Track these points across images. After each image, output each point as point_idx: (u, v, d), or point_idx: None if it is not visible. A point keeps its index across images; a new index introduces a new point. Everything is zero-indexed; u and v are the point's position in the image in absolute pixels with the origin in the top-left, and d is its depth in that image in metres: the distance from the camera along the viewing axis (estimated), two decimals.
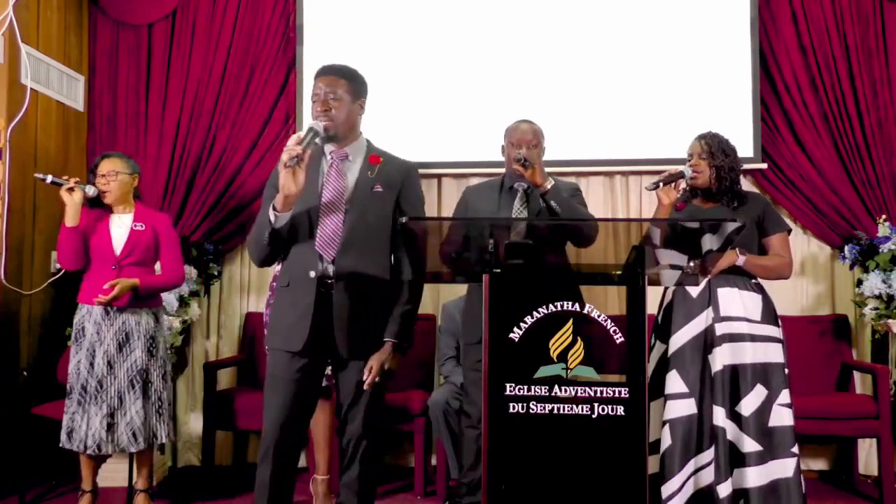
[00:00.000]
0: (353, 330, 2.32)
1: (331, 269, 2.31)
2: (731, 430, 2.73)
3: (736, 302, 2.80)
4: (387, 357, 2.34)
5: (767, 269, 2.87)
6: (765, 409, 2.73)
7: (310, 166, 2.26)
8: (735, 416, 2.74)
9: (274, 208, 2.25)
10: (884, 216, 3.87)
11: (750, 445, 2.71)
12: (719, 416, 2.72)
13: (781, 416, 2.74)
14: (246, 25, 4.23)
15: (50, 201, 3.99)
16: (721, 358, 2.75)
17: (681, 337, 2.82)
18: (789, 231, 2.95)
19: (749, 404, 2.73)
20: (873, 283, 3.68)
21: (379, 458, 2.52)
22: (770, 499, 2.70)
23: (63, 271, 3.94)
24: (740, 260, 2.80)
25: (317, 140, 2.28)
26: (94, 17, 4.35)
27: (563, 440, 2.08)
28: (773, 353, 2.78)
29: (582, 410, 2.08)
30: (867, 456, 3.91)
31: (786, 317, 3.95)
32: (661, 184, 2.82)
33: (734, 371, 2.75)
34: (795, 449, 2.74)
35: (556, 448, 2.09)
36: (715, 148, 2.88)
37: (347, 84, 2.37)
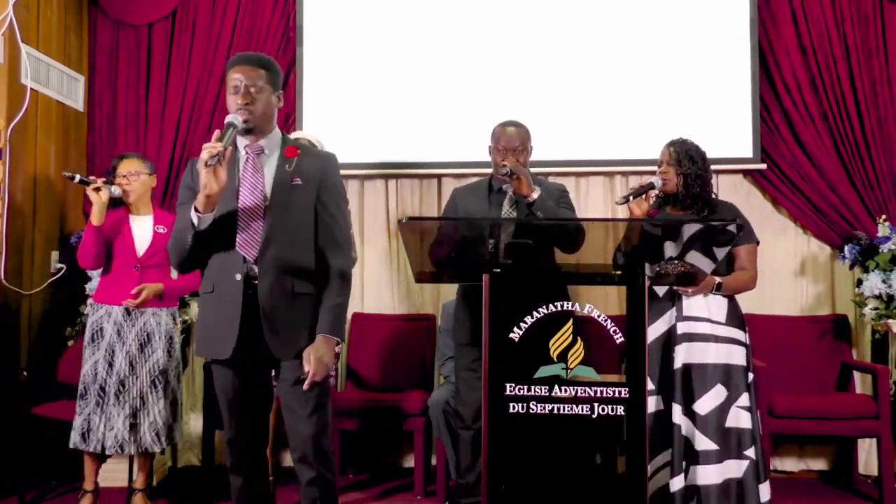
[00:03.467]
0: (284, 329, 2.22)
1: (255, 269, 2.22)
2: (686, 427, 2.76)
3: (699, 303, 2.84)
4: (323, 350, 2.19)
5: (738, 288, 2.91)
6: (723, 410, 2.76)
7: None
8: (690, 414, 2.77)
9: (196, 210, 2.16)
10: (884, 216, 3.87)
11: (705, 444, 2.73)
12: (676, 413, 2.76)
13: (739, 418, 2.76)
14: (246, 25, 4.22)
15: (50, 201, 3.99)
16: (679, 356, 2.79)
17: (648, 335, 2.84)
18: (757, 243, 2.98)
19: (706, 403, 2.75)
20: (873, 283, 3.68)
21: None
22: (722, 498, 2.72)
23: (63, 271, 3.95)
24: (715, 289, 2.83)
25: (237, 133, 2.22)
26: (94, 17, 4.35)
27: (563, 440, 2.08)
28: (736, 356, 2.82)
29: (582, 410, 2.09)
30: (867, 456, 3.90)
31: (786, 317, 4.00)
32: (631, 196, 2.85)
33: (693, 370, 2.78)
34: (750, 452, 2.75)
35: (556, 448, 2.09)
36: (682, 155, 2.89)
37: (267, 75, 2.27)
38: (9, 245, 3.64)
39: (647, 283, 2.68)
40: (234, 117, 2.21)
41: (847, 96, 3.96)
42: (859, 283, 3.81)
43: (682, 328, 2.81)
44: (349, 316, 4.07)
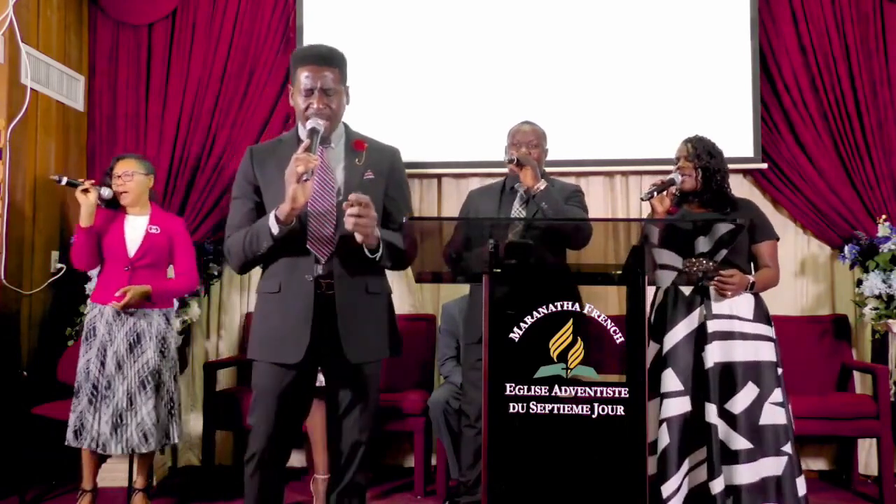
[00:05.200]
0: (359, 330, 2.17)
1: (328, 269, 2.15)
2: (721, 428, 2.75)
3: (728, 300, 2.82)
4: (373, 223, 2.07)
5: (766, 286, 2.91)
6: (756, 407, 2.75)
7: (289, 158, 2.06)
8: (725, 414, 2.75)
9: (277, 220, 2.07)
10: (884, 216, 3.87)
11: (740, 443, 2.72)
12: (711, 413, 2.74)
13: (774, 415, 2.75)
14: (246, 25, 4.23)
15: (50, 201, 3.99)
16: (712, 355, 2.77)
17: (675, 335, 2.84)
18: (777, 239, 2.98)
19: (740, 402, 2.74)
20: (873, 283, 3.68)
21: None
22: (759, 496, 2.71)
23: (63, 271, 3.95)
24: (749, 287, 2.83)
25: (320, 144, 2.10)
26: (94, 17, 4.35)
27: (563, 440, 2.08)
28: (765, 352, 2.81)
29: (582, 410, 2.08)
30: (867, 456, 3.91)
31: (786, 317, 3.99)
32: (655, 193, 2.85)
33: (725, 368, 2.77)
34: (788, 448, 2.75)
35: (556, 448, 2.08)
36: (701, 150, 2.90)
37: (339, 73, 2.19)
38: (9, 245, 3.64)
39: (672, 283, 2.70)
40: (317, 122, 2.12)
41: (847, 96, 3.96)
42: (859, 283, 3.81)
43: (712, 326, 2.80)
44: None
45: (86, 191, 3.17)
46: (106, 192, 3.24)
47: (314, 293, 2.14)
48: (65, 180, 3.22)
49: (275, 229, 2.08)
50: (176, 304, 3.78)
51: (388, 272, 2.35)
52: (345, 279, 2.16)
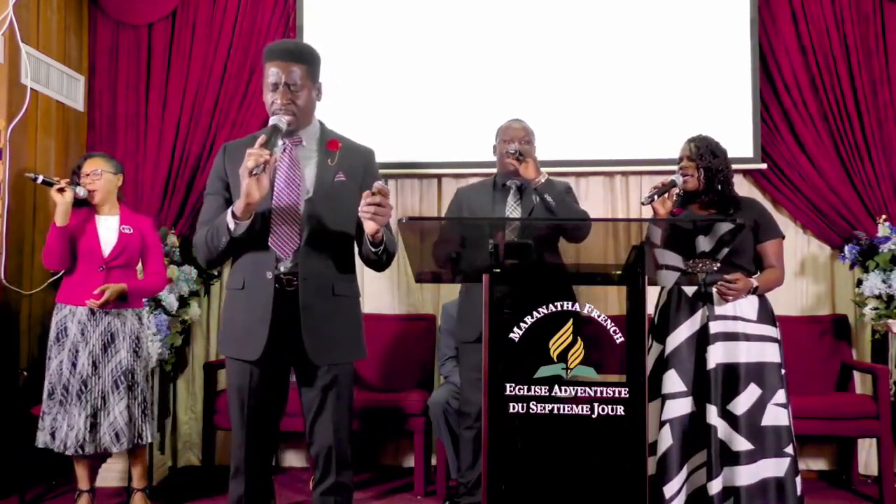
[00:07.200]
0: (322, 331, 2.15)
1: (290, 268, 2.13)
2: (722, 429, 2.74)
3: (732, 301, 2.81)
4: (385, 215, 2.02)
5: (770, 287, 2.89)
6: (758, 409, 2.74)
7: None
8: (727, 415, 2.75)
9: (234, 215, 2.04)
10: (884, 216, 3.87)
11: (741, 444, 2.72)
12: (712, 414, 2.74)
13: (776, 416, 2.75)
14: (246, 25, 4.23)
15: (50, 201, 3.99)
16: (714, 356, 2.77)
17: (678, 336, 2.84)
18: (783, 237, 2.97)
19: (742, 403, 2.74)
20: (873, 283, 3.68)
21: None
22: (759, 497, 2.71)
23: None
24: (753, 288, 2.82)
25: (280, 141, 2.07)
26: (94, 17, 4.36)
27: (563, 440, 2.08)
28: (769, 353, 2.80)
29: (582, 410, 2.08)
30: (867, 456, 3.91)
31: (786, 317, 3.97)
32: (655, 196, 2.83)
33: (727, 370, 2.77)
34: (790, 449, 2.74)
35: (556, 448, 2.09)
36: (703, 150, 2.88)
37: (307, 68, 2.14)
38: (9, 245, 3.64)
39: (675, 283, 2.69)
40: (280, 119, 2.09)
41: (847, 96, 3.97)
42: (859, 283, 3.81)
43: (715, 327, 2.79)
44: None
45: (62, 190, 3.14)
46: (81, 192, 3.21)
47: (274, 291, 2.12)
48: (40, 179, 3.19)
49: (231, 225, 2.06)
50: (175, 304, 3.78)
51: (379, 273, 2.34)
52: (310, 279, 2.14)
